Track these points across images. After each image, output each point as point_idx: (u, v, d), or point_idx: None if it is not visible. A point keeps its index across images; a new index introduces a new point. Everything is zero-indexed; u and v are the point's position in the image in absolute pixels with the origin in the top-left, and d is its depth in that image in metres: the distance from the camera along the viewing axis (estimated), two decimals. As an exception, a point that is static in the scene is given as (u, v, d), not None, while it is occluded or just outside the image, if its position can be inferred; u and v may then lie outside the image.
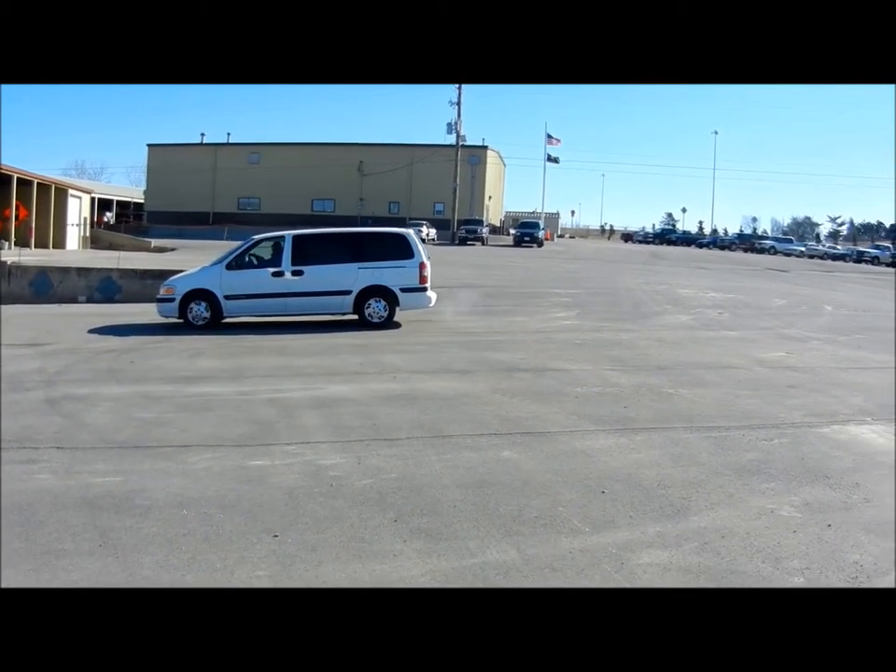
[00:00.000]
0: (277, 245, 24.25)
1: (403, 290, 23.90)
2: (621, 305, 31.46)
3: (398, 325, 24.07)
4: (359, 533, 8.11)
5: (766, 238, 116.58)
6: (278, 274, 23.62)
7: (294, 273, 23.62)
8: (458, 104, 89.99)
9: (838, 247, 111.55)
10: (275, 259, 23.99)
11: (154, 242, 71.36)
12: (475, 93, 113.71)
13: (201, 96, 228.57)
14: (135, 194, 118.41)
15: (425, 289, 24.37)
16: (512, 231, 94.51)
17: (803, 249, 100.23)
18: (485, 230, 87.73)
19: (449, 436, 11.63)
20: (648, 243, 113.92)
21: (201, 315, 23.42)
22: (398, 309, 24.22)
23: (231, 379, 15.72)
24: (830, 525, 8.54)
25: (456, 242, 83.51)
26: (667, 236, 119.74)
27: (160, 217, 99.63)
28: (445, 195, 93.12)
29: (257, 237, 25.18)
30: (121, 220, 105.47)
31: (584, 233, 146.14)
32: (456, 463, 10.38)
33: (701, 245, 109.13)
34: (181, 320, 23.50)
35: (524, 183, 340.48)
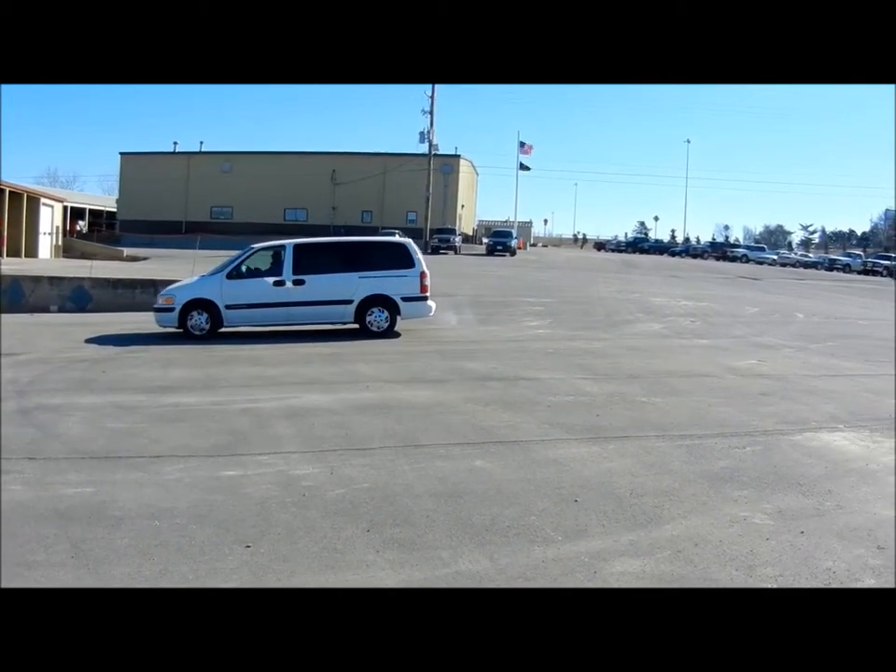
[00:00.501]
0: (277, 254, 24.23)
1: (404, 300, 24.04)
2: (593, 314, 31.52)
3: (397, 334, 24.15)
4: (332, 543, 8.10)
5: (738, 246, 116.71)
6: (279, 284, 23.58)
7: (295, 283, 23.61)
8: (431, 112, 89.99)
9: (810, 255, 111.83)
10: (276, 269, 23.94)
11: (126, 251, 71.05)
12: (448, 102, 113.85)
13: (174, 104, 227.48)
14: (108, 203, 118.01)
15: (425, 298, 24.49)
16: (485, 240, 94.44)
17: (775, 257, 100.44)
18: (458, 238, 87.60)
19: (422, 445, 11.62)
20: (620, 251, 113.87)
21: (200, 324, 23.31)
22: (398, 318, 24.31)
23: (204, 389, 15.69)
24: (803, 533, 8.57)
25: (429, 251, 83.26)
26: (640, 245, 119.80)
27: (132, 225, 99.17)
28: (418, 204, 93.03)
29: (256, 246, 25.11)
30: (94, 229, 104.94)
31: (557, 242, 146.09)
32: (429, 472, 10.38)
33: (673, 254, 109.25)
34: (180, 330, 23.35)
35: (497, 192, 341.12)
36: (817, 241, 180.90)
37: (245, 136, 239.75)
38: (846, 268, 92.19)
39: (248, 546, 7.98)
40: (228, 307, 23.42)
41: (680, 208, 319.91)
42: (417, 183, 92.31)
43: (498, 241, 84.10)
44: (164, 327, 23.61)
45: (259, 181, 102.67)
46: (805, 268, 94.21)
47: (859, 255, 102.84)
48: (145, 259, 62.19)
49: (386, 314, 23.93)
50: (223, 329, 23.85)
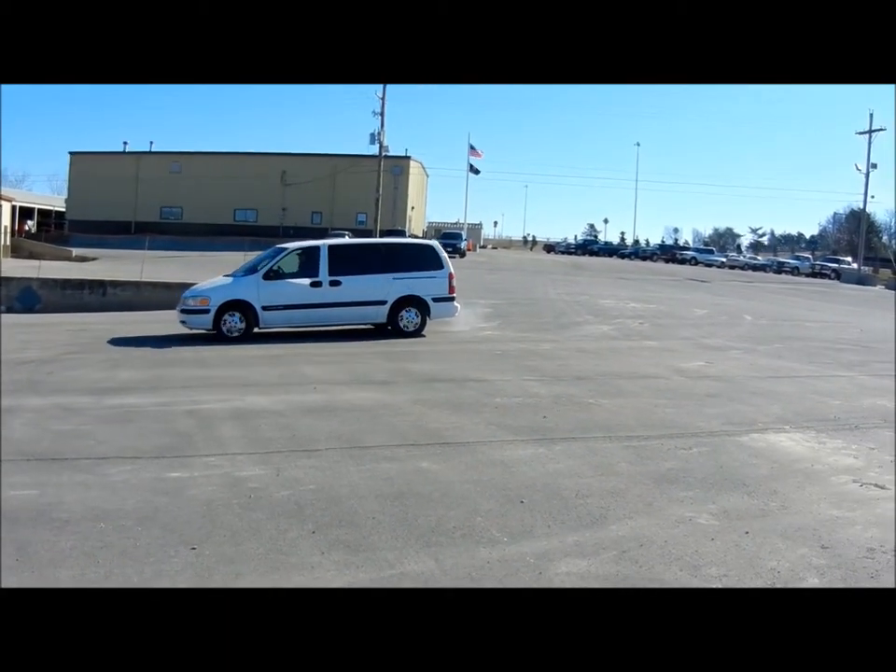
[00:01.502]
0: (308, 254, 24.39)
1: (434, 300, 24.80)
2: (542, 316, 31.61)
3: (423, 335, 24.48)
4: (277, 545, 8.06)
5: (687, 249, 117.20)
6: (316, 285, 23.81)
7: (332, 284, 23.88)
8: (382, 114, 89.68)
9: (759, 258, 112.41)
10: (309, 270, 24.12)
11: (75, 251, 70.49)
12: (399, 104, 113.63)
13: (124, 104, 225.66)
14: (57, 203, 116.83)
15: (453, 299, 25.36)
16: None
17: (724, 260, 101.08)
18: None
19: (368, 447, 11.58)
20: (570, 253, 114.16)
21: (235, 326, 23.17)
22: (428, 318, 24.95)
23: (149, 390, 15.56)
24: (747, 533, 8.61)
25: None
26: (589, 247, 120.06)
27: (81, 225, 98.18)
28: (368, 205, 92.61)
29: (287, 246, 25.49)
30: (43, 229, 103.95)
31: (507, 244, 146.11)
32: (375, 474, 10.34)
33: (623, 256, 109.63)
34: (214, 331, 23.14)
35: (447, 193, 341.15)
36: (766, 244, 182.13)
37: (196, 137, 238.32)
38: (794, 270, 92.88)
39: (194, 548, 7.92)
40: (265, 308, 23.36)
41: (630, 211, 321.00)
42: (367, 184, 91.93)
43: (448, 242, 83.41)
44: (195, 329, 23.39)
45: (209, 182, 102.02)
46: (753, 270, 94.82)
47: (807, 257, 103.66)
48: (94, 259, 61.80)
49: (417, 313, 24.57)
50: (258, 331, 23.74)
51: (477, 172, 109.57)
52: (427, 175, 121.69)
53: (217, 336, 22.95)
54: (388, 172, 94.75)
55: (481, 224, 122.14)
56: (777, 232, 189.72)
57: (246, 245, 46.29)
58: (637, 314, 32.47)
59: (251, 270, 24.27)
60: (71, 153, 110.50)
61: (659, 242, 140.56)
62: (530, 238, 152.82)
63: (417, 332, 24.48)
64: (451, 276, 25.21)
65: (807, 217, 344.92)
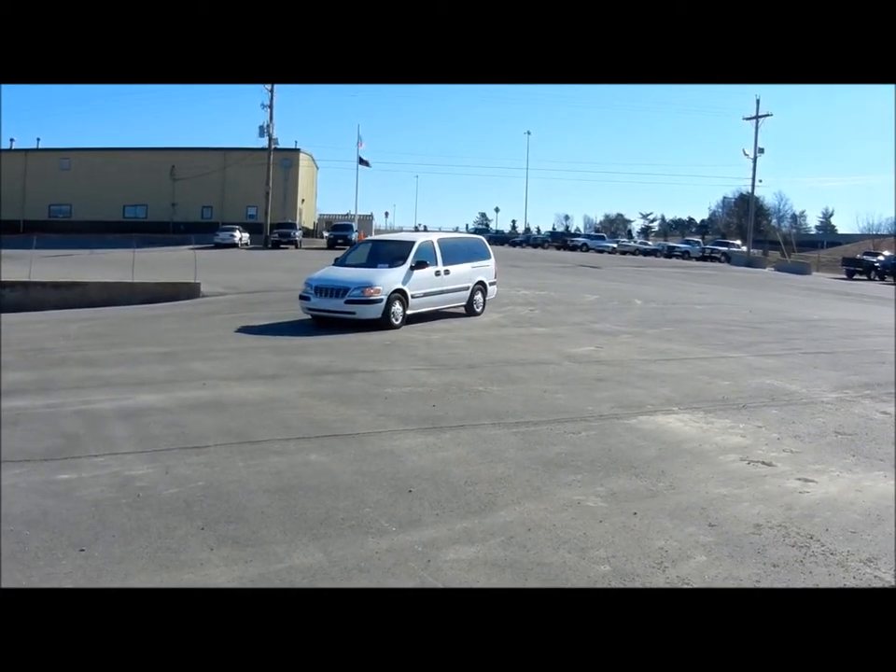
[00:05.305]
0: (429, 248, 26.07)
1: (490, 284, 28.24)
2: (432, 305, 31.60)
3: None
4: (166, 543, 7.98)
5: (579, 235, 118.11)
6: (438, 273, 25.82)
7: (446, 273, 26.06)
8: (270, 106, 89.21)
9: (650, 243, 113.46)
10: (431, 260, 25.71)
11: (-42, 252, 69.28)
12: (288, 96, 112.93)
13: (8, 101, 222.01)
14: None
15: (495, 283, 28.84)
16: (326, 234, 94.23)
17: (615, 246, 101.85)
18: (299, 233, 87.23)
19: (256, 441, 11.48)
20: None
21: (400, 312, 24.25)
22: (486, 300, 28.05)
23: (37, 392, 15.20)
24: (636, 514, 8.70)
25: (269, 246, 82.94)
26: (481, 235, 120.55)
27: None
28: (258, 199, 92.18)
29: (420, 238, 27.40)
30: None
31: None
32: (263, 469, 10.25)
33: (514, 244, 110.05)
34: (382, 319, 23.54)
35: (338, 185, 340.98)
36: (656, 229, 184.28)
37: (84, 133, 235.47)
38: (684, 255, 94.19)
39: (83, 550, 7.80)
40: (413, 296, 24.71)
41: (521, 199, 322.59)
42: (257, 178, 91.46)
43: (339, 234, 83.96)
44: (365, 318, 23.62)
45: (98, 178, 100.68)
46: (644, 255, 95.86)
47: (697, 242, 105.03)
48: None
49: (482, 296, 27.70)
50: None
51: (367, 164, 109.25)
52: (318, 168, 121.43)
53: (383, 324, 23.45)
54: (278, 165, 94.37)
55: (372, 215, 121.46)
56: (668, 217, 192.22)
57: (135, 242, 45.63)
58: (528, 301, 32.57)
59: (390, 261, 25.18)
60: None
61: (550, 229, 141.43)
62: (422, 228, 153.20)
63: (481, 313, 27.44)
64: (495, 263, 28.84)
65: (698, 203, 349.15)
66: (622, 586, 7.04)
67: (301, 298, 24.50)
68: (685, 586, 7.07)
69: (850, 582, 7.15)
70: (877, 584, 7.16)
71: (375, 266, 25.08)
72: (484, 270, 27.95)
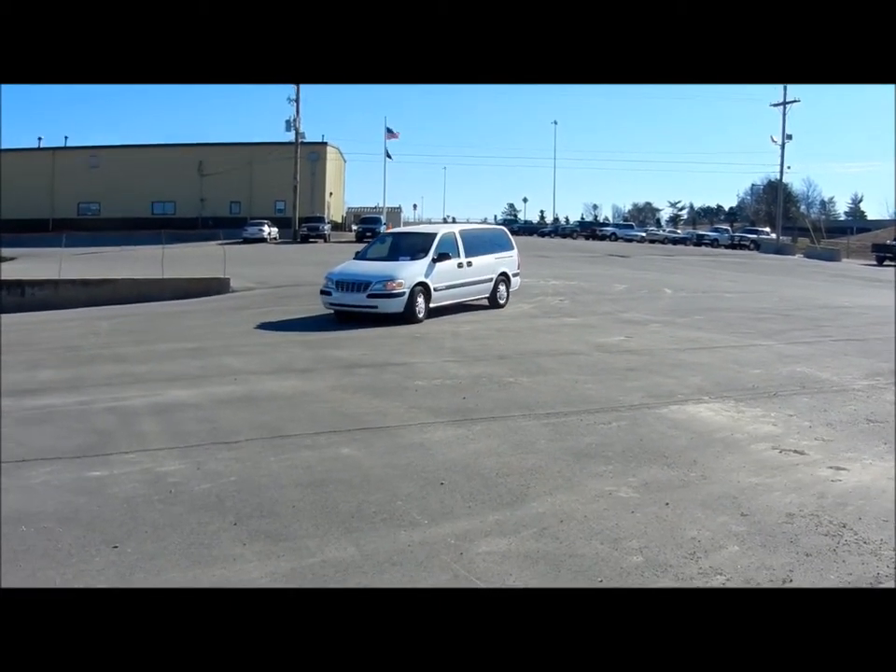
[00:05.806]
0: (452, 240, 25.90)
1: (513, 275, 28.14)
2: (462, 297, 31.59)
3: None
4: (199, 538, 7.97)
5: (607, 225, 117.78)
6: (460, 266, 25.64)
7: (468, 265, 25.88)
8: (297, 100, 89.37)
9: (678, 231, 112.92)
10: (453, 252, 25.58)
11: (-8, 251, 69.55)
12: (314, 89, 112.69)
13: (37, 100, 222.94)
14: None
15: (518, 274, 28.66)
16: (354, 227, 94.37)
17: (643, 234, 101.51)
18: (327, 227, 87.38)
19: (288, 436, 11.49)
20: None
21: (423, 306, 24.13)
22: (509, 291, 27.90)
23: (69, 389, 15.27)
24: (668, 504, 8.65)
25: (298, 240, 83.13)
26: (509, 226, 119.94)
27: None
28: (286, 193, 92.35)
29: (443, 230, 27.06)
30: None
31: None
32: (295, 463, 10.26)
33: (543, 234, 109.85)
34: (405, 312, 23.47)
35: (365, 178, 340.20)
36: (685, 217, 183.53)
37: (112, 130, 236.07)
38: (713, 243, 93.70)
39: (115, 546, 7.80)
40: (436, 289, 24.53)
41: (549, 189, 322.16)
42: (285, 172, 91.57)
43: (367, 227, 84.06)
44: (387, 312, 23.52)
45: (126, 175, 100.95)
46: (673, 244, 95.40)
47: (726, 229, 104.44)
48: (11, 259, 60.98)
49: (505, 288, 27.58)
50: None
51: (390, 156, 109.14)
52: (345, 161, 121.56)
53: (406, 317, 23.40)
54: (305, 158, 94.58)
55: (400, 208, 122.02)
56: (697, 206, 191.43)
57: (164, 238, 45.70)
58: (558, 291, 32.52)
59: (412, 253, 25.10)
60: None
61: (579, 219, 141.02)
62: (450, 220, 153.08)
63: (504, 305, 27.19)
64: (518, 254, 28.69)
65: (726, 190, 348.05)
66: (640, 586, 7.04)
67: (323, 293, 24.47)
68: (685, 586, 7.04)
69: (884, 571, 7.12)
70: (912, 572, 7.14)
71: (397, 259, 24.99)
72: (507, 261, 27.76)
